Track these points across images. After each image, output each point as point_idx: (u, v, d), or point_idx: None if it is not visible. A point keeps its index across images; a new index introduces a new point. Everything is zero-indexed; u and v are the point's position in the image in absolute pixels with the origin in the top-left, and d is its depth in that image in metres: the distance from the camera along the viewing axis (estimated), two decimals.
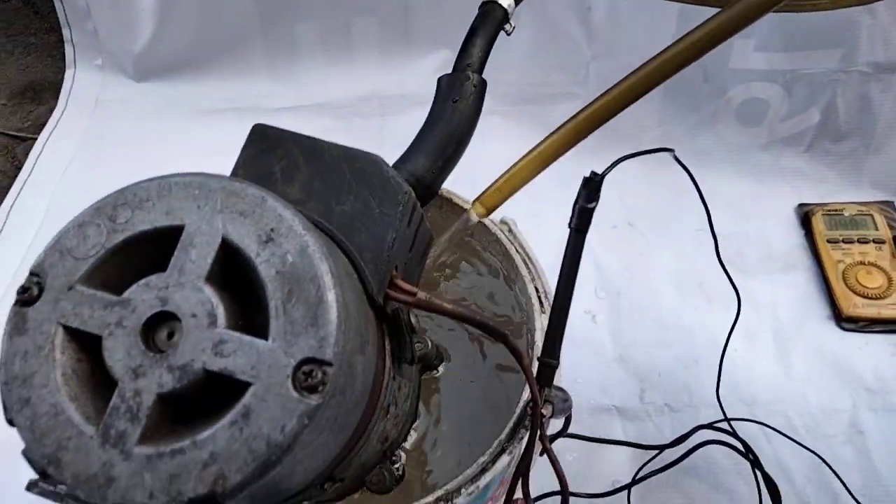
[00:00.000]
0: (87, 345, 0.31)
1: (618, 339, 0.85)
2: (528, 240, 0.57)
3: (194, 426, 0.29)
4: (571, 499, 0.71)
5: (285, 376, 0.29)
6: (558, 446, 0.76)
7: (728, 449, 0.72)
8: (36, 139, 1.11)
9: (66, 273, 0.32)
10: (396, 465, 0.45)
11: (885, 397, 0.79)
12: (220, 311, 0.30)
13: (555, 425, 0.52)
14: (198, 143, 1.01)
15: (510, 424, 0.44)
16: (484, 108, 1.13)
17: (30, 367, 0.31)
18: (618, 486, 0.71)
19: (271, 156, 0.39)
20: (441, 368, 0.52)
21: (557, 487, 0.71)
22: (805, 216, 0.95)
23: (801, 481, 0.74)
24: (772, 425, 0.76)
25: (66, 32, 1.17)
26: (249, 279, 0.31)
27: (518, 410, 0.44)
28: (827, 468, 0.73)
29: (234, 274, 0.32)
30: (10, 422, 0.31)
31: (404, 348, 0.39)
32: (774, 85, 0.94)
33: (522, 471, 0.38)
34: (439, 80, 0.53)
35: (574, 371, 0.83)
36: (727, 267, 0.90)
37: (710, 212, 0.99)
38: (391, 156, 0.44)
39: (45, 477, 0.30)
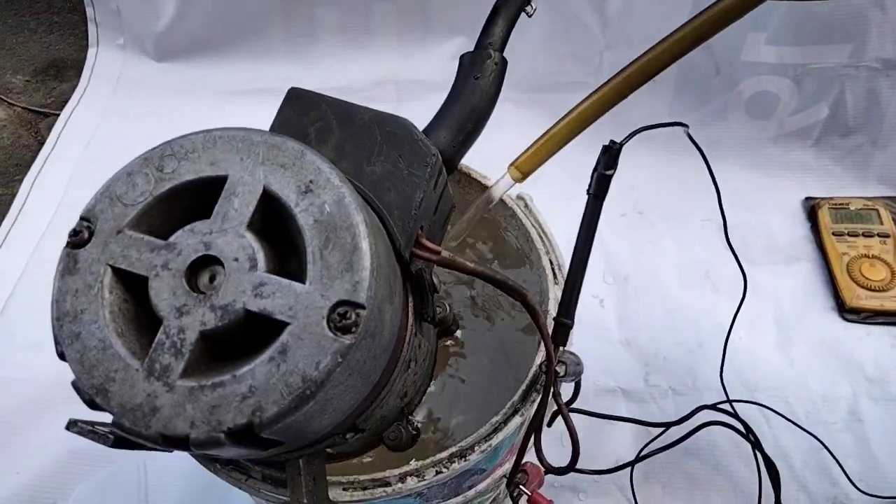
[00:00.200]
0: (133, 286, 0.33)
1: (624, 323, 0.87)
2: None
3: (233, 363, 0.31)
4: (576, 475, 0.74)
5: (321, 317, 0.31)
6: (564, 425, 0.78)
7: (729, 431, 0.73)
8: (58, 115, 1.13)
9: (115, 218, 0.34)
10: (413, 424, 0.47)
11: (885, 387, 0.81)
12: (261, 256, 0.32)
13: (565, 394, 0.53)
14: (216, 122, 1.01)
15: (523, 387, 0.46)
16: (499, 96, 1.15)
17: (80, 305, 0.33)
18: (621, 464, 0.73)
19: (305, 118, 0.41)
20: (458, 334, 0.54)
21: (561, 463, 0.73)
22: (811, 209, 0.97)
23: (800, 465, 0.76)
24: (773, 408, 0.77)
25: (89, 11, 1.19)
26: (287, 228, 0.33)
27: (531, 374, 0.46)
28: (826, 453, 0.75)
29: (273, 223, 0.34)
30: (61, 355, 0.33)
31: (426, 305, 0.41)
32: (784, 79, 0.96)
33: (535, 427, 0.40)
34: (462, 57, 0.55)
35: (581, 353, 0.83)
36: (731, 255, 0.92)
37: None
38: None
39: (92, 406, 0.32)
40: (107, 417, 0.32)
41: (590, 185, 0.40)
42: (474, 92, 0.53)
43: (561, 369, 0.41)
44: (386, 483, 0.44)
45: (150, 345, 0.31)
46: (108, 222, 0.34)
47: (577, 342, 0.85)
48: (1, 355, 0.86)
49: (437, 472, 0.44)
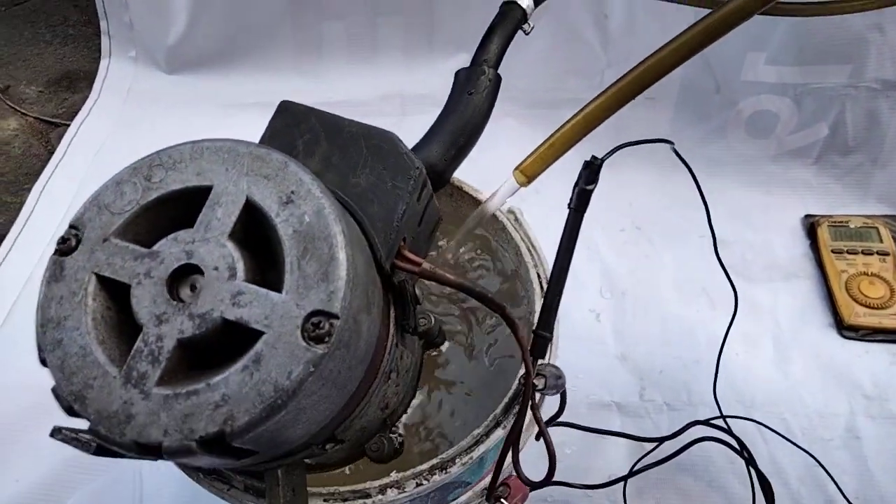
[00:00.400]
0: (117, 294, 0.34)
1: (620, 337, 0.87)
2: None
3: (210, 372, 0.32)
4: (569, 490, 0.73)
5: (295, 326, 0.31)
6: (557, 438, 0.78)
7: (724, 447, 0.73)
8: (69, 125, 1.15)
9: (103, 226, 0.35)
10: (395, 435, 0.47)
11: (883, 405, 0.80)
12: (240, 266, 0.33)
13: (551, 407, 0.54)
14: (224, 133, 1.03)
15: (505, 400, 0.46)
16: (498, 111, 1.16)
17: (63, 311, 0.33)
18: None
19: (295, 130, 0.42)
20: (444, 347, 0.55)
21: (556, 478, 0.73)
22: (811, 227, 0.96)
23: (795, 483, 0.75)
24: (768, 424, 0.77)
25: (102, 24, 1.22)
26: (268, 237, 0.34)
27: (514, 386, 0.47)
28: (821, 470, 0.75)
29: (255, 233, 0.35)
30: (43, 361, 0.33)
31: (408, 317, 0.42)
32: (784, 98, 0.96)
33: (513, 439, 0.40)
34: (457, 73, 0.56)
35: (576, 367, 0.85)
36: (729, 271, 0.92)
37: (718, 219, 1.00)
38: None
39: (70, 412, 0.33)
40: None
41: (571, 200, 0.40)
42: (468, 107, 0.54)
43: (540, 382, 0.41)
44: (366, 494, 0.44)
45: (129, 352, 0.32)
46: (95, 230, 0.35)
47: (573, 356, 0.86)
48: (5, 361, 0.87)
49: (418, 485, 0.44)
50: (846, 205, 0.98)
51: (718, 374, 0.75)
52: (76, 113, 1.17)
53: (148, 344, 0.32)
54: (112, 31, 1.21)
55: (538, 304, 0.54)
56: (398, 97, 1.09)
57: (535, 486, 0.42)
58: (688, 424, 0.72)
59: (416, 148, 0.52)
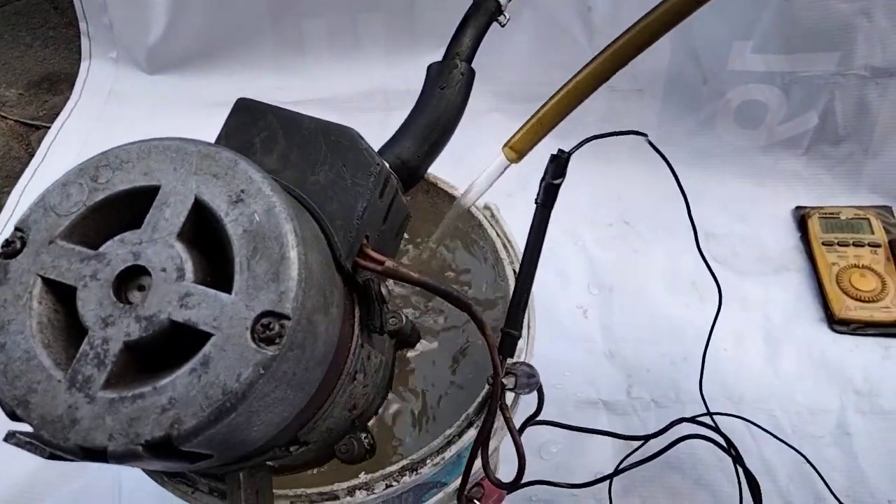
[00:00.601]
0: (64, 297, 0.33)
1: (608, 334, 0.86)
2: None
3: (159, 375, 0.31)
4: (554, 489, 0.72)
5: (244, 328, 0.30)
6: (542, 437, 0.77)
7: (712, 445, 0.72)
8: (50, 127, 1.14)
9: (48, 228, 0.34)
10: (365, 436, 0.46)
11: (874, 400, 0.79)
12: (189, 266, 0.32)
13: (528, 407, 0.52)
14: (206, 133, 1.03)
15: (478, 399, 0.45)
16: (484, 106, 1.15)
17: (7, 315, 0.32)
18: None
19: (252, 127, 0.41)
20: (419, 347, 0.53)
21: (540, 477, 0.72)
22: (801, 219, 0.95)
23: (785, 480, 0.74)
24: (757, 422, 0.76)
25: (82, 26, 1.20)
26: (219, 238, 0.33)
27: (487, 386, 0.45)
28: (811, 468, 0.73)
29: (205, 233, 0.33)
30: None
31: (373, 317, 0.41)
32: (773, 87, 0.94)
33: (482, 440, 0.39)
34: (429, 67, 0.54)
35: (563, 364, 0.84)
36: (719, 265, 0.91)
37: (707, 212, 1.00)
38: None
39: (13, 417, 0.32)
40: None
41: (538, 195, 0.39)
42: (440, 102, 0.53)
43: (510, 381, 0.40)
44: (334, 496, 0.43)
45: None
46: (40, 232, 0.34)
47: (560, 353, 0.85)
48: None
49: (388, 486, 0.43)
50: (837, 195, 0.97)
51: (706, 370, 0.74)
52: (57, 115, 1.16)
53: (94, 347, 0.31)
54: (92, 33, 1.19)
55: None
56: (381, 93, 1.08)
57: (505, 487, 0.40)
58: (673, 422, 0.70)
59: (389, 144, 0.51)
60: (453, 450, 0.44)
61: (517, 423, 0.51)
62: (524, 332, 0.50)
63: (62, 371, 0.31)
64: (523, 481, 0.71)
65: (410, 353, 0.54)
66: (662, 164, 0.53)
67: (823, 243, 0.90)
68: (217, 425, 0.30)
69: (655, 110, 1.02)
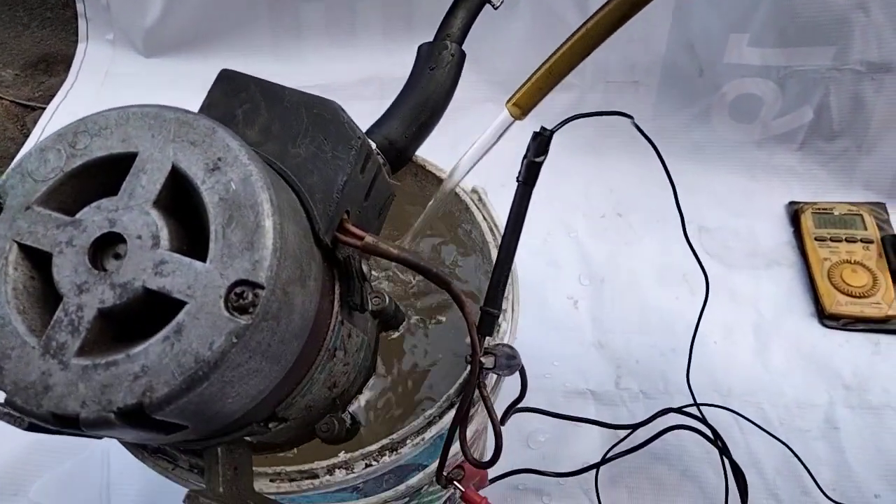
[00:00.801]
0: (40, 263, 0.33)
1: (598, 325, 0.86)
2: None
3: (133, 343, 0.31)
4: (541, 478, 0.72)
5: (218, 296, 0.30)
6: (531, 426, 0.77)
7: (699, 437, 0.72)
8: (45, 108, 1.14)
9: (25, 194, 0.34)
10: (347, 416, 0.46)
11: (862, 395, 0.79)
12: (164, 234, 0.32)
13: (511, 391, 0.52)
14: None
15: (460, 381, 0.45)
16: (479, 96, 1.15)
17: None
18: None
19: (234, 99, 0.41)
20: (402, 328, 0.53)
21: (526, 465, 0.72)
22: (795, 214, 0.95)
23: (771, 473, 0.74)
24: (745, 415, 0.76)
25: (79, 7, 1.20)
26: (196, 205, 0.33)
27: (469, 367, 0.45)
28: (798, 461, 0.73)
29: (182, 200, 0.33)
30: None
31: (353, 293, 0.40)
32: (768, 81, 0.94)
33: (459, 419, 0.39)
34: (419, 48, 0.54)
35: (552, 354, 0.83)
36: (711, 258, 0.91)
37: (701, 205, 1.00)
38: None
39: None
40: None
41: (519, 173, 0.39)
42: (429, 83, 0.53)
43: (489, 361, 0.39)
44: (314, 475, 0.43)
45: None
46: (17, 198, 0.34)
47: (550, 343, 0.85)
48: None
49: (367, 465, 0.43)
50: (832, 191, 0.96)
51: (695, 362, 0.74)
52: (53, 96, 1.15)
53: (68, 314, 0.31)
54: (89, 14, 1.19)
55: None
56: (377, 80, 1.08)
57: (481, 467, 0.40)
58: (660, 412, 0.70)
59: (377, 125, 0.51)
60: (433, 430, 0.44)
61: (502, 408, 0.51)
62: (508, 315, 0.50)
63: (36, 338, 0.31)
64: (511, 469, 0.72)
65: (395, 335, 0.54)
66: (655, 157, 0.53)
67: (816, 238, 0.90)
68: (189, 394, 0.30)
69: (651, 102, 1.01)
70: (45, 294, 0.33)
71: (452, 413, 0.44)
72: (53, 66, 1.23)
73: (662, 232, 0.93)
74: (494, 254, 0.54)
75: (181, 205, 0.33)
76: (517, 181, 0.39)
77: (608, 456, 0.71)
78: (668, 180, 0.52)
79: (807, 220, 0.92)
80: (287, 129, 0.39)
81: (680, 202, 0.54)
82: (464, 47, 0.54)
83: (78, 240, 0.32)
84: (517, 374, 0.44)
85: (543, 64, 0.45)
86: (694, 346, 0.73)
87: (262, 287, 0.30)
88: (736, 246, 0.93)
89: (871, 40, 0.87)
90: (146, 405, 0.29)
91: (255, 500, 0.38)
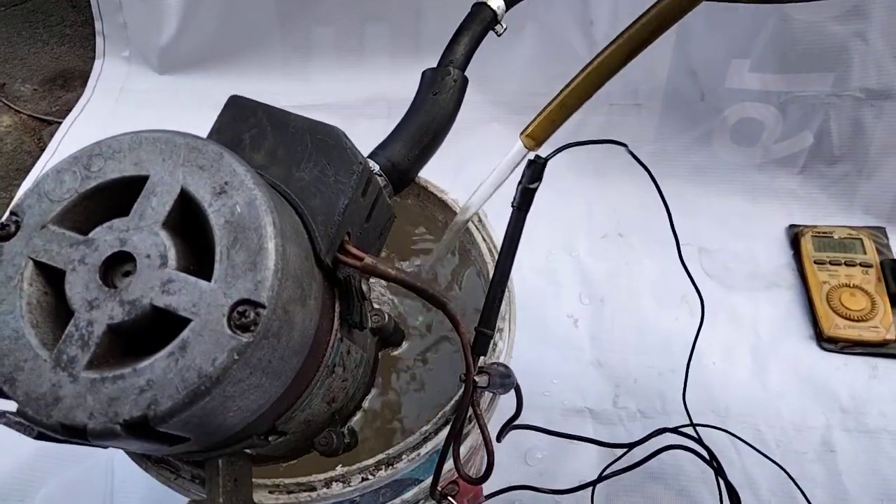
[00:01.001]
0: (53, 280, 0.34)
1: (597, 344, 0.87)
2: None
3: (140, 358, 0.32)
4: (537, 495, 0.73)
5: (221, 314, 0.31)
6: (529, 443, 0.78)
7: (695, 457, 0.72)
8: (62, 123, 1.17)
9: (42, 213, 0.35)
10: (343, 430, 0.47)
11: (860, 418, 0.79)
12: (172, 254, 0.33)
13: (509, 408, 0.53)
14: None
15: (456, 397, 0.46)
16: (484, 117, 1.17)
17: None
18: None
19: (243, 124, 0.42)
20: (403, 346, 0.55)
21: (523, 482, 0.73)
22: (795, 237, 0.96)
23: (766, 494, 0.74)
24: (741, 436, 0.76)
25: (98, 24, 1.23)
26: (203, 227, 0.34)
27: (465, 385, 0.46)
28: (793, 484, 0.74)
29: (190, 222, 0.35)
30: None
31: (353, 311, 0.42)
32: (769, 106, 0.96)
33: (453, 436, 0.40)
34: (423, 73, 0.56)
35: (551, 372, 0.84)
36: (711, 279, 0.92)
37: (702, 227, 1.01)
38: None
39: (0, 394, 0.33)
40: None
41: (514, 198, 0.40)
42: (432, 107, 0.54)
43: (483, 380, 0.41)
44: (311, 487, 0.44)
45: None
46: (34, 217, 0.35)
47: (549, 361, 0.86)
48: None
49: (364, 479, 0.44)
50: (832, 215, 0.97)
51: (693, 383, 0.75)
52: (69, 111, 1.18)
53: (79, 328, 0.32)
54: (107, 32, 1.22)
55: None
56: (384, 100, 1.10)
57: (474, 482, 0.41)
58: (655, 431, 0.71)
59: (381, 146, 0.52)
60: (429, 446, 0.45)
61: (498, 426, 0.52)
62: (505, 334, 0.51)
63: (48, 351, 0.32)
64: (508, 485, 0.73)
65: (395, 353, 0.56)
66: (658, 178, 0.54)
67: (815, 262, 0.91)
68: (192, 408, 0.31)
69: (653, 126, 1.03)
70: (57, 309, 0.34)
71: (447, 429, 0.45)
72: (71, 82, 1.26)
73: (663, 253, 0.94)
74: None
75: (189, 226, 0.35)
76: (512, 206, 0.40)
77: (605, 474, 0.71)
78: (671, 204, 0.53)
79: (807, 244, 0.93)
80: (292, 154, 0.41)
81: (681, 224, 0.55)
82: (469, 68, 0.56)
83: (90, 258, 0.34)
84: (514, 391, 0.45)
85: (556, 97, 0.47)
86: (692, 367, 0.74)
87: (263, 306, 0.32)
88: (736, 268, 0.94)
89: (871, 67, 0.89)
90: (151, 418, 0.31)
91: None
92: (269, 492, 0.44)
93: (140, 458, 0.46)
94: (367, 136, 0.52)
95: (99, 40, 1.24)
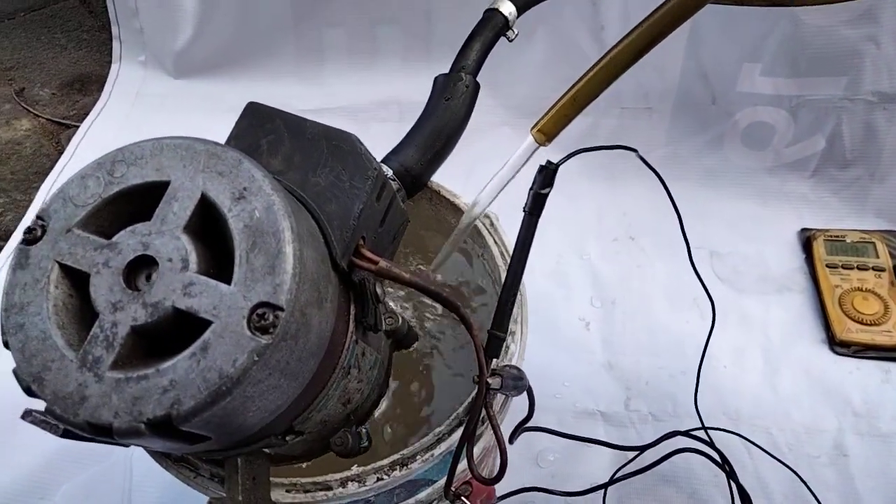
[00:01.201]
0: (78, 283, 0.35)
1: (609, 346, 0.87)
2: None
3: (163, 359, 0.33)
4: (549, 497, 0.74)
5: (241, 317, 0.32)
6: (541, 445, 0.79)
7: (707, 460, 0.73)
8: (79, 126, 1.19)
9: (67, 218, 0.36)
10: (360, 430, 0.48)
11: (872, 422, 0.79)
12: (193, 258, 0.34)
13: (521, 410, 0.54)
14: (226, 136, 1.07)
15: (469, 399, 0.47)
16: (495, 120, 1.18)
17: (27, 297, 0.35)
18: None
19: (260, 130, 0.43)
20: (415, 347, 0.55)
21: (535, 484, 0.73)
22: (807, 240, 0.96)
23: (779, 498, 0.74)
24: (753, 440, 0.76)
25: (114, 29, 1.25)
26: (222, 231, 0.35)
27: (478, 387, 0.47)
28: (806, 488, 0.74)
29: (210, 226, 0.36)
30: (6, 344, 0.35)
31: (368, 314, 0.43)
32: (780, 110, 0.96)
33: (466, 437, 0.41)
34: (435, 79, 0.57)
35: (563, 375, 0.85)
36: (722, 283, 0.92)
37: (713, 230, 1.01)
38: None
39: (29, 393, 0.34)
40: None
41: (526, 203, 0.41)
42: (445, 113, 0.55)
43: (496, 382, 0.41)
44: (327, 487, 0.45)
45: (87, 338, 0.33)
46: (59, 221, 0.36)
47: (559, 363, 0.86)
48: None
49: (379, 479, 0.45)
50: (844, 218, 0.97)
51: (704, 386, 0.75)
52: (86, 115, 1.20)
53: (104, 330, 0.33)
54: (123, 37, 1.24)
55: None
56: (395, 103, 1.11)
57: (487, 483, 0.42)
58: (666, 434, 0.71)
59: (394, 151, 0.53)
60: (443, 447, 0.45)
61: (511, 428, 0.53)
62: (517, 336, 0.51)
63: (74, 351, 0.33)
64: (520, 487, 0.73)
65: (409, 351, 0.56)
66: (669, 181, 0.54)
67: (827, 265, 0.91)
68: (213, 407, 0.32)
69: (664, 129, 1.03)
70: (82, 311, 0.35)
71: (461, 430, 0.46)
72: (88, 86, 1.28)
73: (674, 256, 0.94)
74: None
75: (209, 230, 0.36)
76: (524, 211, 0.41)
77: (616, 477, 0.72)
78: (682, 207, 0.53)
79: (819, 247, 0.93)
80: (308, 160, 0.42)
81: (692, 227, 0.56)
82: (481, 72, 0.56)
83: (114, 261, 0.34)
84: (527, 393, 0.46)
85: (568, 91, 0.47)
86: (704, 370, 0.74)
87: (282, 309, 0.32)
88: (747, 271, 0.94)
89: (883, 71, 0.89)
90: (174, 417, 0.32)
91: None
92: (287, 490, 0.45)
93: (160, 457, 0.47)
94: (379, 138, 0.53)
95: (115, 45, 1.26)
